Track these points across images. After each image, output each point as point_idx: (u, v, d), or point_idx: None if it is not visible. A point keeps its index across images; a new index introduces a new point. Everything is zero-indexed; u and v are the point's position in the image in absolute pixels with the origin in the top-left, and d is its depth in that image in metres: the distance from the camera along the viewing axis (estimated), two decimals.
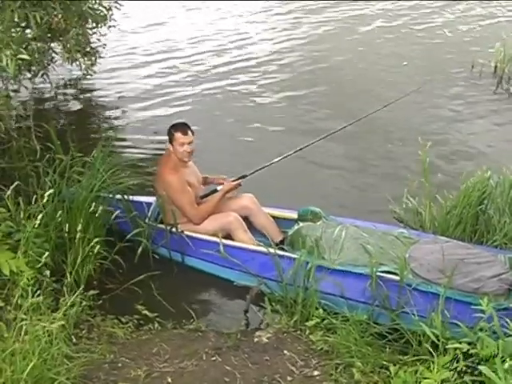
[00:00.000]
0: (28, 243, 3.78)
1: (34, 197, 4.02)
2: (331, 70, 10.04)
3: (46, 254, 3.47)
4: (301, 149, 5.17)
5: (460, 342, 3.18)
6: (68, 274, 3.84)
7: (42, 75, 6.05)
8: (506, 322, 3.24)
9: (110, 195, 4.76)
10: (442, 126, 7.88)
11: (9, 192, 3.73)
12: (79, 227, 3.85)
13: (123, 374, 3.42)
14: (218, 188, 4.98)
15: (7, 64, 3.65)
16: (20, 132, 5.60)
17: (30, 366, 2.68)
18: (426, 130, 7.43)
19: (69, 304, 3.37)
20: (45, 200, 3.66)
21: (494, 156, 6.95)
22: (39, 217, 3.47)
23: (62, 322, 3.14)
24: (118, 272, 4.55)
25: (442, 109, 8.49)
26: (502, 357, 2.93)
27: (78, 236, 3.89)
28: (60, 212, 4.25)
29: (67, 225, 4.11)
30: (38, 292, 3.38)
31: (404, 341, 3.71)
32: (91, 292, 4.00)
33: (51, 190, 3.72)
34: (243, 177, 5.05)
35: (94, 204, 4.39)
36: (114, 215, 4.56)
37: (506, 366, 2.82)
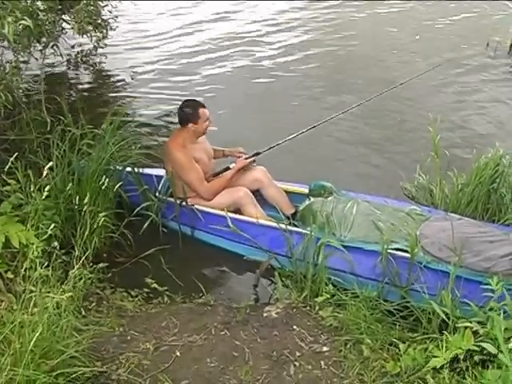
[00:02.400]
0: (38, 215, 3.78)
1: (44, 169, 4.01)
2: (346, 51, 9.93)
3: (53, 225, 3.45)
4: (314, 126, 5.12)
5: (470, 321, 3.16)
6: (77, 247, 3.83)
7: (53, 46, 6.00)
8: None
9: (120, 168, 4.75)
10: (455, 104, 7.82)
11: (10, 162, 3.69)
12: (86, 199, 3.83)
13: (132, 346, 3.43)
14: (231, 166, 4.96)
15: (8, 31, 3.60)
16: (30, 104, 5.57)
17: (35, 336, 2.67)
18: (439, 108, 7.35)
19: (77, 276, 3.37)
20: (45, 174, 3.62)
21: (508, 134, 6.88)
22: (46, 188, 3.44)
23: (71, 294, 3.13)
24: (127, 245, 4.55)
25: (455, 86, 8.42)
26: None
27: (85, 208, 3.88)
28: (69, 184, 4.24)
29: (77, 197, 4.10)
30: (48, 264, 3.38)
31: (414, 318, 3.69)
32: (101, 265, 4.00)
33: (50, 163, 3.68)
34: (257, 154, 5.03)
35: (103, 177, 4.37)
36: (117, 186, 4.48)
37: (511, 345, 2.81)
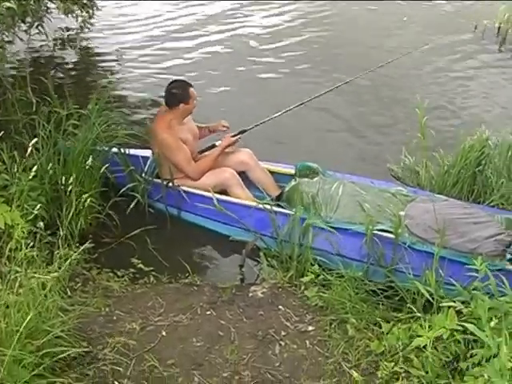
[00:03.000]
0: (23, 196, 3.77)
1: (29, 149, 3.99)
2: (332, 30, 9.86)
3: (39, 206, 3.45)
4: (299, 105, 5.09)
5: (454, 301, 3.19)
6: (62, 227, 3.82)
7: (37, 26, 5.93)
8: (503, 282, 3.24)
9: (106, 148, 4.73)
10: (443, 85, 7.81)
11: None
12: (72, 180, 3.81)
13: (118, 326, 3.44)
14: (217, 143, 4.95)
15: None
16: (16, 84, 5.52)
17: (27, 320, 2.67)
18: (426, 89, 7.38)
19: (63, 257, 3.36)
20: (29, 151, 3.59)
21: (494, 116, 6.91)
22: (34, 169, 3.43)
23: (56, 274, 3.13)
24: (113, 226, 4.55)
25: (443, 68, 8.40)
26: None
27: (70, 189, 3.86)
28: (55, 165, 4.22)
29: (62, 178, 4.08)
30: (33, 245, 3.37)
31: (398, 298, 3.72)
32: (86, 245, 3.99)
33: (35, 139, 3.66)
34: (242, 132, 5.01)
35: (89, 157, 4.34)
36: (104, 168, 4.48)
37: (492, 324, 2.84)
